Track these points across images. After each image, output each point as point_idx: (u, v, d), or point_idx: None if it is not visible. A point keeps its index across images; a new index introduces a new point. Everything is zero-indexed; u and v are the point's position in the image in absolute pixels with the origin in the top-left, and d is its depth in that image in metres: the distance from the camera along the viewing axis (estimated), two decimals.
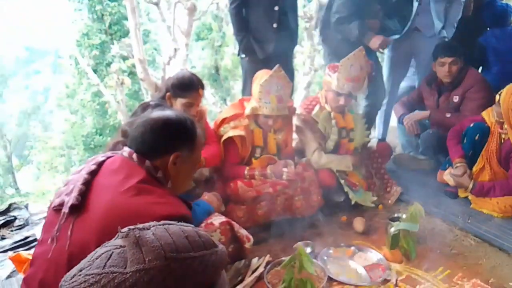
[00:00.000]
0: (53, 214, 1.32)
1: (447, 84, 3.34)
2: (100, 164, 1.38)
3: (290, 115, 2.85)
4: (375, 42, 3.30)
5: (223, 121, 2.72)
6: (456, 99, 3.33)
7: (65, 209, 1.27)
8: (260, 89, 2.54)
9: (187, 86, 2.44)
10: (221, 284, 0.67)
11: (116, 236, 0.66)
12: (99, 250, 0.65)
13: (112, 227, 1.12)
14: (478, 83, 3.25)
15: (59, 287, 0.62)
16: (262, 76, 2.59)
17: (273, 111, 2.58)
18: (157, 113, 1.42)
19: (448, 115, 3.33)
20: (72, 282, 0.60)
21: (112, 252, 0.63)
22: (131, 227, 0.63)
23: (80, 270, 0.62)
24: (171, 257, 0.61)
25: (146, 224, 0.66)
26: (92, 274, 0.60)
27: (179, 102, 2.45)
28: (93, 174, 1.35)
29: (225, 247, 0.72)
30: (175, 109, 1.53)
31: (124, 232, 0.63)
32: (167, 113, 1.43)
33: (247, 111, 2.65)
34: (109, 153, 1.46)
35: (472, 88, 3.25)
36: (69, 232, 1.23)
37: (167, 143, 1.38)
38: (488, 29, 3.75)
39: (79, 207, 1.27)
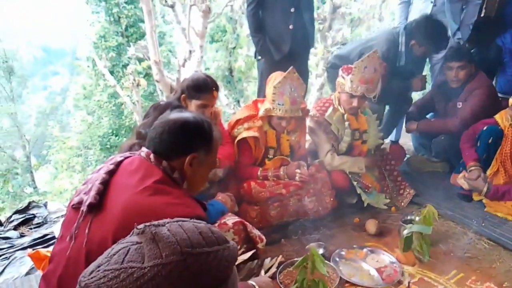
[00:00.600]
0: (72, 212, 1.36)
1: (456, 89, 3.31)
2: (118, 164, 1.42)
3: (303, 116, 2.86)
4: (418, 85, 3.38)
5: (237, 122, 2.75)
6: (459, 105, 3.30)
7: (84, 208, 1.30)
8: (274, 91, 2.56)
9: (202, 88, 2.47)
10: (233, 279, 0.69)
11: (132, 232, 0.69)
12: (116, 247, 0.68)
13: (129, 225, 1.14)
14: (481, 88, 3.19)
15: (78, 283, 0.64)
16: (276, 77, 2.61)
17: (286, 113, 2.60)
18: (175, 115, 1.44)
19: (432, 120, 3.38)
20: (91, 278, 0.62)
21: (129, 248, 0.65)
22: (147, 224, 0.66)
23: (99, 266, 0.64)
24: (187, 252, 0.63)
25: (161, 221, 0.68)
26: (111, 270, 0.62)
27: (193, 104, 2.48)
28: (111, 173, 1.38)
29: (236, 244, 0.74)
30: (193, 112, 1.55)
31: (140, 228, 0.65)
32: (186, 115, 1.45)
33: (261, 112, 2.67)
34: (127, 153, 1.49)
35: (474, 91, 3.21)
36: (87, 230, 1.26)
37: (184, 144, 1.41)
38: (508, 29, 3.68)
39: (97, 206, 1.30)
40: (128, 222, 1.18)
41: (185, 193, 1.38)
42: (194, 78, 2.53)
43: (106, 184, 1.35)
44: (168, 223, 0.68)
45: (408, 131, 3.66)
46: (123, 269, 0.61)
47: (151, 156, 1.38)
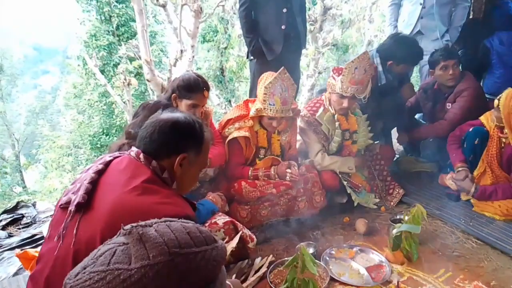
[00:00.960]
0: (60, 212, 1.35)
1: (449, 88, 3.34)
2: (107, 164, 1.41)
3: (294, 116, 2.88)
4: (407, 93, 3.42)
5: (228, 122, 2.75)
6: (449, 106, 3.35)
7: (72, 207, 1.29)
8: (265, 91, 2.57)
9: (193, 88, 2.46)
10: (221, 278, 0.69)
11: (119, 233, 0.68)
12: (102, 248, 0.67)
13: (117, 225, 1.13)
14: (469, 89, 3.23)
15: (63, 285, 0.63)
16: (267, 78, 2.62)
17: (277, 113, 2.61)
18: (166, 115, 1.43)
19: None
20: (77, 280, 0.62)
21: (116, 249, 0.64)
22: (134, 224, 0.64)
23: (84, 268, 0.63)
24: (175, 253, 0.63)
25: (148, 222, 0.68)
26: (97, 272, 0.61)
27: (184, 103, 2.48)
28: (100, 173, 1.37)
29: (224, 243, 0.74)
30: (184, 112, 1.54)
31: (127, 229, 0.64)
32: (177, 115, 1.44)
33: (252, 112, 2.67)
34: (116, 153, 1.49)
35: (462, 92, 3.25)
36: (74, 230, 1.25)
37: (175, 144, 1.40)
38: (496, 32, 3.73)
39: (85, 206, 1.29)
40: (116, 222, 1.16)
41: (174, 193, 1.38)
42: (185, 77, 2.52)
43: (94, 183, 1.34)
44: (155, 223, 0.67)
45: (400, 143, 3.72)
46: (109, 271, 0.60)
47: (141, 155, 1.38)
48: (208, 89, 2.55)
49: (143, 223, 0.66)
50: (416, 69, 4.02)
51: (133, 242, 0.63)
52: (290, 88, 2.63)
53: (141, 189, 1.28)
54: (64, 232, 1.27)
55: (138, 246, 0.62)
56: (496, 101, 2.71)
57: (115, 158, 1.44)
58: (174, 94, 2.49)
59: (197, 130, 1.45)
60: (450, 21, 3.64)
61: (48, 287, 1.26)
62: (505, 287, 2.10)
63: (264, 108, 2.61)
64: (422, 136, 3.54)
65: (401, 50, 3.15)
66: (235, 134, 2.67)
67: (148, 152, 1.39)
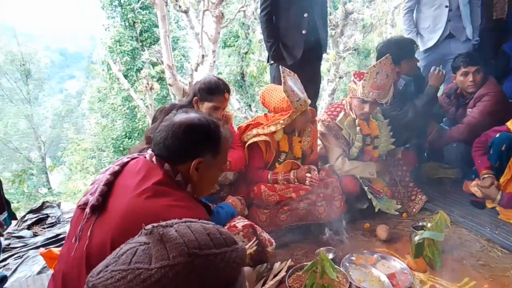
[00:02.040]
0: (79, 212, 1.36)
1: (470, 94, 3.27)
2: (123, 165, 1.40)
3: (312, 119, 2.86)
4: (435, 79, 3.30)
5: (247, 127, 2.76)
6: (470, 112, 3.27)
7: (87, 209, 1.29)
8: (286, 94, 2.53)
9: (214, 90, 2.49)
10: (241, 280, 0.69)
11: (140, 233, 0.69)
12: (124, 247, 0.68)
13: (127, 228, 1.15)
14: (490, 94, 3.15)
15: (86, 282, 0.64)
16: (275, 88, 2.65)
17: (305, 103, 2.59)
18: (179, 117, 1.38)
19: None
20: (99, 278, 0.62)
21: (137, 249, 0.65)
22: (155, 224, 0.65)
23: (107, 266, 0.64)
24: (194, 254, 0.63)
25: (169, 222, 0.68)
26: (118, 270, 0.62)
27: (205, 106, 2.51)
28: (115, 175, 1.36)
29: (244, 245, 0.74)
30: (199, 112, 1.48)
31: (148, 229, 0.65)
32: (190, 116, 1.39)
33: (282, 121, 2.63)
34: (134, 154, 1.48)
35: (483, 97, 3.18)
36: (89, 232, 1.25)
37: (189, 149, 1.36)
38: None
39: (100, 208, 1.29)
40: (127, 226, 1.19)
41: (187, 196, 1.35)
42: (206, 80, 2.55)
43: (110, 185, 1.34)
44: (176, 223, 0.68)
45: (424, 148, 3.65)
46: (130, 270, 0.61)
47: (153, 158, 1.36)
48: (229, 91, 2.57)
49: (164, 223, 0.67)
50: None
51: (154, 242, 0.64)
52: (298, 80, 2.66)
53: (152, 191, 1.26)
54: (80, 233, 1.28)
55: (158, 246, 0.63)
56: None
57: (132, 159, 1.43)
58: (195, 98, 2.52)
59: (212, 132, 1.40)
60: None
61: (65, 286, 1.28)
62: None
63: (296, 108, 2.57)
64: (442, 143, 3.46)
65: (392, 50, 3.08)
66: (255, 138, 2.67)
67: (162, 157, 1.36)
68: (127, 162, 1.41)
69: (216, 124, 1.42)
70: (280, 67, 2.61)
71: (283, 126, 2.64)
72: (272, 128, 2.65)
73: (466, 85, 3.24)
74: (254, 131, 2.70)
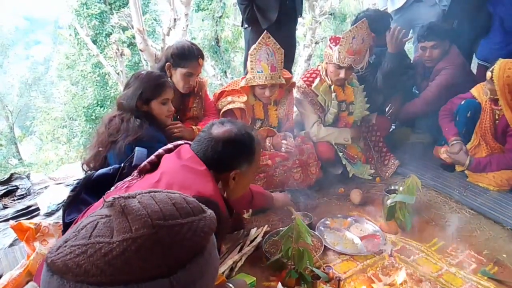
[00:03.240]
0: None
1: (429, 68, 3.30)
2: (177, 146, 1.52)
3: (290, 88, 2.83)
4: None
5: (222, 94, 2.71)
6: (428, 86, 3.30)
7: (135, 172, 1.45)
8: (251, 59, 2.51)
9: (187, 56, 2.41)
10: (210, 249, 0.67)
11: (102, 205, 0.65)
12: (85, 221, 0.64)
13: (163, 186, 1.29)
14: (449, 67, 3.17)
15: (45, 259, 0.61)
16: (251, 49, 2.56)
17: (266, 80, 2.55)
18: (217, 131, 1.48)
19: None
20: (58, 254, 0.59)
21: (98, 222, 0.62)
22: (116, 196, 0.62)
23: (66, 241, 0.61)
24: (158, 225, 0.60)
25: (132, 193, 0.65)
26: (78, 245, 0.59)
27: (179, 72, 2.43)
28: (168, 151, 1.50)
29: (213, 213, 0.72)
30: (234, 123, 1.55)
31: (109, 201, 0.62)
32: (228, 130, 1.48)
33: (242, 83, 2.62)
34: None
35: (442, 71, 3.20)
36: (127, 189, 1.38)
37: (227, 162, 1.47)
38: None
39: (146, 172, 1.43)
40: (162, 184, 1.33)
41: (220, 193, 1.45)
42: (179, 45, 2.47)
43: (159, 157, 1.46)
44: (139, 194, 0.64)
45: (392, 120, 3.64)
46: (90, 244, 0.58)
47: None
48: (202, 57, 2.50)
49: (126, 194, 0.63)
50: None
51: (115, 215, 0.60)
52: (277, 52, 2.55)
53: (193, 171, 1.38)
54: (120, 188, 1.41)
55: (120, 218, 0.59)
56: (488, 73, 2.65)
57: (186, 144, 1.55)
58: (168, 63, 2.44)
59: (247, 145, 1.52)
60: None
61: None
62: (496, 256, 2.13)
63: (253, 77, 2.56)
64: (403, 117, 3.49)
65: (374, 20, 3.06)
66: (230, 106, 2.63)
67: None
68: (180, 145, 1.53)
69: (251, 136, 1.54)
70: (265, 32, 2.52)
71: (240, 93, 2.62)
72: (243, 99, 2.62)
73: (424, 59, 3.26)
74: (229, 98, 2.65)
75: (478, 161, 2.83)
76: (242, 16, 3.43)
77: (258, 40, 2.50)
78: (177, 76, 2.45)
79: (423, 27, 3.19)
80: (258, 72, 2.54)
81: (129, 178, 1.46)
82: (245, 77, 2.75)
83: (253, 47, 2.51)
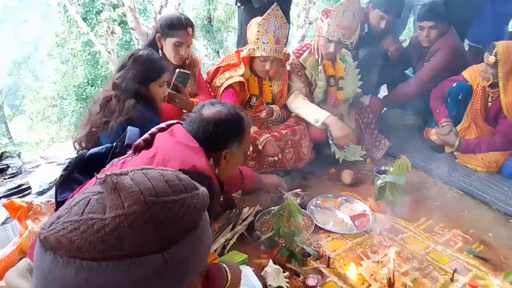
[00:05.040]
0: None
1: (425, 48, 3.29)
2: (170, 125, 1.55)
3: (284, 62, 2.81)
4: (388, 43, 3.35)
5: (217, 70, 2.69)
6: (423, 67, 3.30)
7: (131, 149, 1.48)
8: (258, 28, 2.47)
9: (176, 25, 2.41)
10: (202, 226, 0.68)
11: (94, 182, 0.66)
12: (77, 197, 0.65)
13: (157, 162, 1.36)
14: (443, 49, 3.16)
15: (37, 235, 0.62)
16: (257, 20, 2.53)
17: (270, 52, 2.52)
18: (207, 112, 1.53)
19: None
20: (51, 230, 0.60)
21: (90, 199, 0.62)
22: (108, 173, 0.62)
23: (58, 218, 0.61)
24: (151, 201, 0.61)
25: (124, 170, 0.65)
26: (70, 221, 0.59)
27: (168, 42, 2.43)
28: (161, 130, 1.53)
29: (206, 190, 0.72)
30: (224, 104, 1.60)
31: (101, 178, 0.62)
32: (218, 111, 1.53)
33: (244, 53, 2.59)
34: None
35: (436, 52, 3.19)
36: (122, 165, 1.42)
37: (218, 142, 1.53)
38: None
39: (140, 150, 1.47)
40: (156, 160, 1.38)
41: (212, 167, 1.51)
42: (168, 16, 2.50)
43: (153, 136, 1.50)
44: (132, 171, 0.64)
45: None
46: (83, 221, 0.58)
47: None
48: (192, 26, 2.49)
49: (118, 171, 0.63)
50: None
51: (108, 191, 0.60)
52: (283, 26, 2.55)
53: (187, 147, 1.42)
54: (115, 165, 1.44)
55: (112, 195, 0.60)
56: (492, 58, 2.62)
57: (178, 123, 1.58)
58: (158, 34, 2.44)
59: (238, 125, 1.57)
60: None
61: None
62: (482, 235, 2.19)
63: (258, 48, 2.53)
64: (396, 100, 3.50)
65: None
66: (229, 81, 2.61)
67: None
68: (173, 124, 1.57)
69: (240, 117, 1.59)
70: (275, 4, 2.51)
71: (237, 66, 2.60)
72: (240, 71, 2.60)
73: (421, 39, 3.25)
74: (227, 74, 2.64)
75: (467, 142, 2.86)
76: None
77: (268, 11, 2.47)
78: (168, 47, 2.45)
79: (424, 6, 3.18)
80: (263, 43, 2.50)
81: (124, 156, 1.49)
82: (241, 50, 2.71)
83: (262, 17, 2.48)
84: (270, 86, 2.79)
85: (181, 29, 2.41)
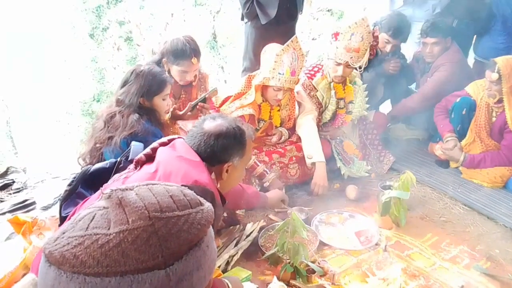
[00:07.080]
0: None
1: (429, 64, 3.31)
2: (171, 140, 1.57)
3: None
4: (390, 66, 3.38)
5: (227, 99, 2.66)
6: (427, 82, 3.31)
7: (133, 164, 1.50)
8: (276, 59, 2.46)
9: (180, 55, 2.45)
10: (207, 241, 0.68)
11: (100, 197, 0.66)
12: (82, 212, 0.65)
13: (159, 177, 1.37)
14: (447, 64, 3.16)
15: (43, 250, 0.62)
16: (273, 48, 2.52)
17: (285, 84, 2.51)
18: (208, 125, 1.55)
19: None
20: (56, 245, 0.60)
21: (95, 214, 0.62)
22: (114, 188, 0.62)
23: (64, 233, 0.61)
24: (155, 217, 0.61)
25: (129, 185, 0.65)
26: (75, 236, 0.59)
27: (174, 69, 2.49)
28: (163, 144, 1.54)
29: (211, 206, 0.72)
30: (225, 118, 1.63)
31: (107, 193, 0.62)
32: (219, 125, 1.55)
33: (257, 80, 2.57)
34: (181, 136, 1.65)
35: (440, 67, 3.20)
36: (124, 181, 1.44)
37: (220, 155, 1.54)
38: None
39: (142, 164, 1.48)
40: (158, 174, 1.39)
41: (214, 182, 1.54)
42: (174, 43, 2.50)
43: (154, 151, 1.51)
44: (137, 186, 0.65)
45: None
46: (87, 236, 0.58)
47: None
48: (196, 55, 2.51)
49: (123, 186, 0.64)
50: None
51: (113, 206, 0.61)
52: (300, 58, 2.53)
53: (188, 161, 1.43)
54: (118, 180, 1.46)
55: (117, 210, 0.60)
56: (495, 75, 2.62)
57: (179, 138, 1.60)
58: (164, 59, 2.47)
59: (238, 139, 1.58)
60: None
61: None
62: (489, 252, 2.16)
63: (273, 77, 2.51)
64: (399, 113, 3.50)
65: (399, 24, 3.17)
66: (240, 112, 2.57)
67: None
68: (174, 139, 1.58)
69: (241, 130, 1.61)
70: (295, 36, 2.52)
71: (252, 87, 2.59)
72: (250, 99, 2.58)
73: (424, 55, 3.27)
74: (237, 103, 2.61)
75: (472, 157, 2.85)
76: (242, 11, 3.43)
77: (287, 43, 2.46)
78: (174, 72, 2.51)
79: (427, 22, 3.20)
80: (279, 73, 2.49)
81: (126, 170, 1.50)
82: (252, 75, 2.69)
83: (281, 48, 2.47)
84: (279, 111, 2.79)
85: (186, 59, 2.45)
